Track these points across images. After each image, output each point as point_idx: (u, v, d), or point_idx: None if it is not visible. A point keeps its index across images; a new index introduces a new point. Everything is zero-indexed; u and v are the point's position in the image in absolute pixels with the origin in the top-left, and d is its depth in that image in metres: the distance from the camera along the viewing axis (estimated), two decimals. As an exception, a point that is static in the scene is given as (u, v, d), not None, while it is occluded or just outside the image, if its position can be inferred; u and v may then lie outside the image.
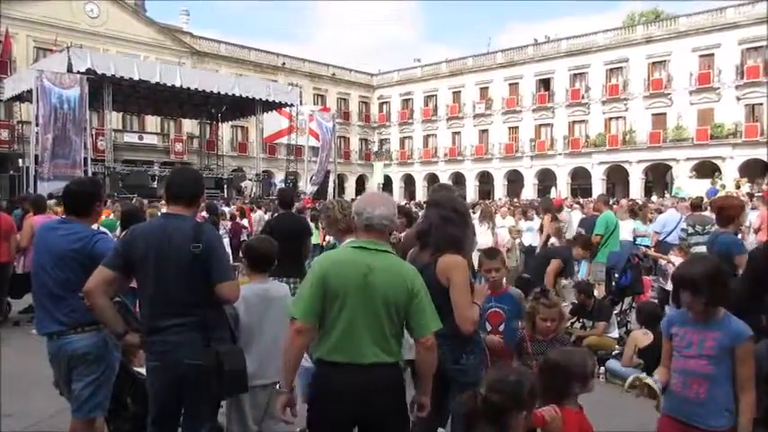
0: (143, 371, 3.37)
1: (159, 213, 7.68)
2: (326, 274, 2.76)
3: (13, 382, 5.20)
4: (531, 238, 11.62)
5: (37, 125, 20.35)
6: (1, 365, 5.26)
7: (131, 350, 4.17)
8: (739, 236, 5.92)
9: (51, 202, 10.14)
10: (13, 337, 7.54)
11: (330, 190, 30.83)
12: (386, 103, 53.68)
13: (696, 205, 9.37)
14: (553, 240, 10.45)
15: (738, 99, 35.75)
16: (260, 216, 16.02)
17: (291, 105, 29.22)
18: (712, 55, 36.59)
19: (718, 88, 36.31)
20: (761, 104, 35.01)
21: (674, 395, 2.88)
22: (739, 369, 2.72)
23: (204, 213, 11.35)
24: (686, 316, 2.91)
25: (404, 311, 2.77)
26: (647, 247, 10.34)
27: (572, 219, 13.68)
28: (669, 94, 38.18)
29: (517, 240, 11.81)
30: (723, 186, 21.59)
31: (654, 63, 39.01)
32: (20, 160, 23.84)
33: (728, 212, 5.60)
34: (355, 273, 2.74)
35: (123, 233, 4.26)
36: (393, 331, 2.78)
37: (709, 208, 8.53)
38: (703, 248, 6.90)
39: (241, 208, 16.34)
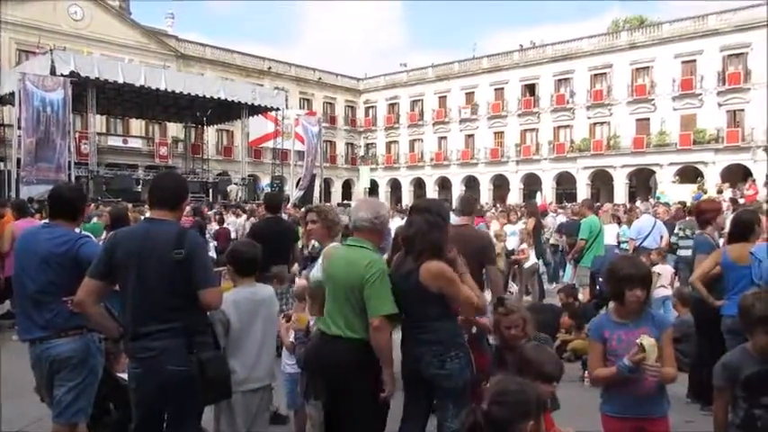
0: (126, 376, 3.34)
1: (143, 218, 7.63)
2: (325, 266, 3.69)
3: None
4: (514, 242, 11.66)
5: (19, 128, 20.14)
6: (0, 369, 5.16)
7: (114, 355, 4.14)
8: (721, 241, 6.02)
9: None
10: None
11: (316, 194, 30.77)
12: (372, 107, 53.73)
13: (690, 211, 9.96)
14: (524, 246, 10.57)
15: (720, 105, 36.21)
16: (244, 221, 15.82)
17: (277, 109, 29.16)
18: (694, 61, 37.05)
19: (701, 94, 36.76)
20: (742, 110, 35.55)
21: (621, 396, 3.02)
22: (666, 350, 2.96)
23: (191, 217, 11.31)
24: (612, 320, 3.12)
25: (360, 295, 3.28)
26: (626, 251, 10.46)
27: (557, 223, 13.77)
28: (652, 99, 38.58)
29: (501, 245, 11.83)
30: (705, 191, 21.85)
31: (637, 69, 39.39)
32: (1, 164, 23.59)
33: (706, 215, 5.83)
34: (336, 263, 3.51)
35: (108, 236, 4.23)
36: (353, 311, 3.32)
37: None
38: (690, 252, 7.07)
39: (221, 212, 16.26)
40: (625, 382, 2.95)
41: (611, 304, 3.25)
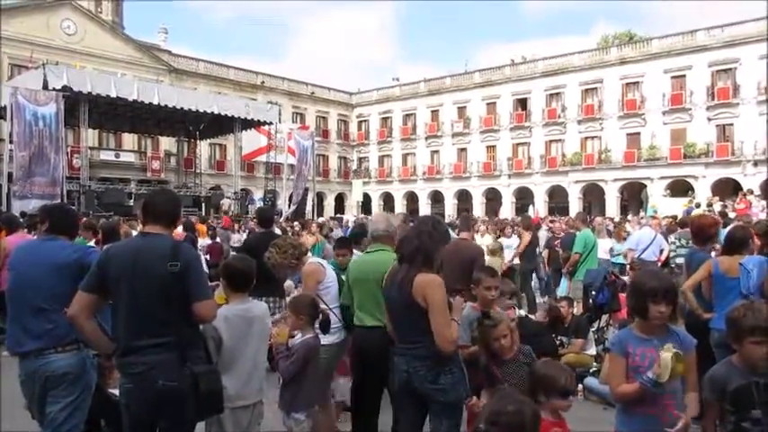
0: (117, 392, 3.32)
1: (133, 232, 7.61)
2: (348, 270, 4.56)
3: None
4: (509, 256, 11.69)
5: (11, 142, 20.05)
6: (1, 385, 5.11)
7: (107, 370, 4.11)
8: (713, 253, 6.02)
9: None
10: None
11: (309, 209, 30.71)
12: (365, 121, 53.87)
13: (684, 223, 10.12)
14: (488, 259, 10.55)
15: (709, 120, 36.57)
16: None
17: (270, 123, 29.13)
18: (684, 76, 37.43)
19: (690, 109, 37.10)
20: (731, 125, 35.93)
21: (644, 416, 2.87)
22: (689, 374, 2.82)
23: (181, 231, 11.25)
24: (636, 335, 2.95)
25: None
26: (621, 265, 10.49)
27: (546, 238, 13.79)
28: (643, 114, 38.91)
29: (498, 260, 11.84)
30: (698, 205, 21.93)
31: (628, 84, 39.75)
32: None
33: (708, 231, 5.72)
34: (361, 266, 4.39)
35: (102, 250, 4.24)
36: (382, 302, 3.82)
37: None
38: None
39: (212, 226, 16.15)
40: (643, 400, 2.83)
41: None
